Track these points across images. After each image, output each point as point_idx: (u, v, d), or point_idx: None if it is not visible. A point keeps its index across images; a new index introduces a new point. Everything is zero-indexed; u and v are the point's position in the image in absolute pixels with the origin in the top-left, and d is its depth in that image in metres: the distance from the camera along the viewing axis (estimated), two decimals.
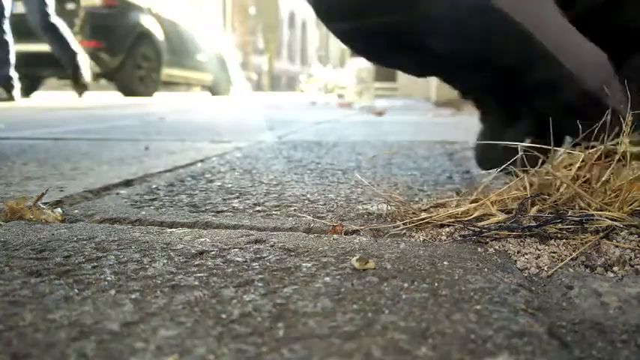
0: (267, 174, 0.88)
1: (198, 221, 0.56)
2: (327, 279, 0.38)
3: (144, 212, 0.60)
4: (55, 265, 0.41)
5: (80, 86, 4.50)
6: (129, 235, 0.50)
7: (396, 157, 1.12)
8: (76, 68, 4.39)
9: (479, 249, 0.46)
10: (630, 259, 0.43)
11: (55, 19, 4.24)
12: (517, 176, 0.57)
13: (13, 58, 3.86)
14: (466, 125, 2.30)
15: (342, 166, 0.98)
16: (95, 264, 0.41)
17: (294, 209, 0.62)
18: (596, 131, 0.56)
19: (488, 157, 0.73)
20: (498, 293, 0.35)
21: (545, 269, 0.42)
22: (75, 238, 0.48)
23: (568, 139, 0.70)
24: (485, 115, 0.75)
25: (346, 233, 0.52)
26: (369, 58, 0.74)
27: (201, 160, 1.05)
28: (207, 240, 0.48)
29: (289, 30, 24.98)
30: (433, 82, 5.21)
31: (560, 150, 0.58)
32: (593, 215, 0.50)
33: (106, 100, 5.03)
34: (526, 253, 0.45)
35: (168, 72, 6.17)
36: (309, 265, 0.41)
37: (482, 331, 0.30)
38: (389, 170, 0.93)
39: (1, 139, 1.47)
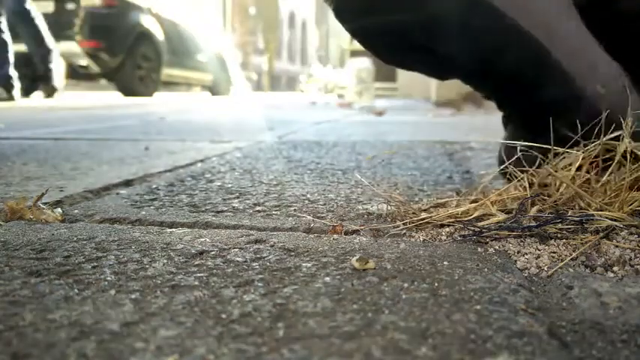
0: (267, 174, 0.88)
1: (198, 221, 0.56)
2: (327, 279, 0.38)
3: (144, 212, 0.60)
4: (55, 265, 0.41)
5: (49, 88, 4.26)
6: (129, 235, 0.50)
7: (396, 157, 1.12)
8: (47, 68, 4.16)
9: (479, 249, 0.46)
10: (630, 259, 0.43)
11: (31, 6, 3.97)
12: (517, 176, 0.57)
13: (12, 58, 3.83)
14: (466, 125, 2.30)
15: (342, 166, 0.98)
16: (95, 264, 0.41)
17: (294, 209, 0.62)
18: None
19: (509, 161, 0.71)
20: (498, 293, 0.35)
21: (545, 269, 0.42)
22: (75, 238, 0.48)
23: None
24: (507, 119, 0.74)
25: (346, 233, 0.52)
26: (385, 60, 0.73)
27: (202, 160, 1.05)
28: (207, 240, 0.48)
29: (289, 30, 24.98)
30: (433, 82, 5.20)
31: (560, 149, 0.58)
32: (593, 215, 0.50)
33: (106, 100, 5.03)
34: (526, 253, 0.45)
35: (168, 72, 6.17)
36: (309, 265, 0.41)
37: (482, 331, 0.30)
38: (389, 170, 0.93)
39: (1, 139, 1.47)
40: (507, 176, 0.60)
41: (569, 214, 0.51)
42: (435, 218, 0.53)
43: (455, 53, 0.65)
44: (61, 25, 5.01)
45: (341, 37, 12.78)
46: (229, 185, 0.77)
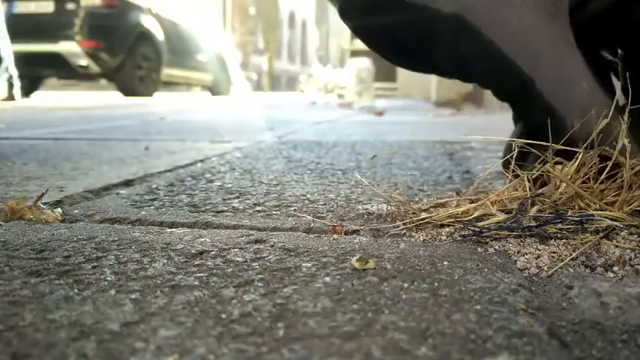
0: (267, 174, 0.88)
1: (198, 221, 0.56)
2: (327, 279, 0.38)
3: (144, 212, 0.60)
4: (55, 265, 0.41)
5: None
6: (129, 235, 0.50)
7: (396, 157, 1.12)
8: None
9: (479, 249, 0.46)
10: (630, 259, 0.43)
11: None
12: (517, 176, 0.57)
13: (10, 56, 3.80)
14: (466, 125, 2.30)
15: (342, 166, 0.98)
16: (95, 264, 0.41)
17: (294, 209, 0.62)
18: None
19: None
20: (498, 293, 0.35)
21: (545, 269, 0.42)
22: (75, 238, 0.48)
23: None
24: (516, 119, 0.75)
25: (346, 233, 0.52)
26: (388, 59, 0.73)
27: (202, 160, 1.05)
28: (207, 240, 0.48)
29: (289, 30, 24.98)
30: (433, 82, 5.21)
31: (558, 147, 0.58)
32: (593, 215, 0.50)
33: (106, 100, 5.03)
34: (526, 253, 0.45)
35: (168, 72, 6.17)
36: (309, 265, 0.41)
37: (482, 331, 0.30)
38: (389, 170, 0.93)
39: (1, 139, 1.47)
40: (508, 173, 0.60)
41: (569, 214, 0.50)
42: (435, 218, 0.53)
43: (449, 68, 0.67)
44: (61, 25, 5.02)
45: (341, 37, 12.78)
46: (229, 185, 0.77)
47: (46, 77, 5.93)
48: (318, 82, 12.25)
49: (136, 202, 0.66)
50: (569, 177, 0.54)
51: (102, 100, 4.87)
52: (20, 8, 5.11)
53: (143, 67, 5.64)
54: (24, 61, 4.18)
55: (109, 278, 0.38)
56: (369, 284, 0.37)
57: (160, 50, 5.91)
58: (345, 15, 0.69)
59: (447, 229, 0.52)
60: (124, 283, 0.37)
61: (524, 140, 0.59)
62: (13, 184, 0.78)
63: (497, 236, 0.49)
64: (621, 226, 0.49)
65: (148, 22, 5.69)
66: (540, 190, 0.55)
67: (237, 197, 0.69)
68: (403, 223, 0.53)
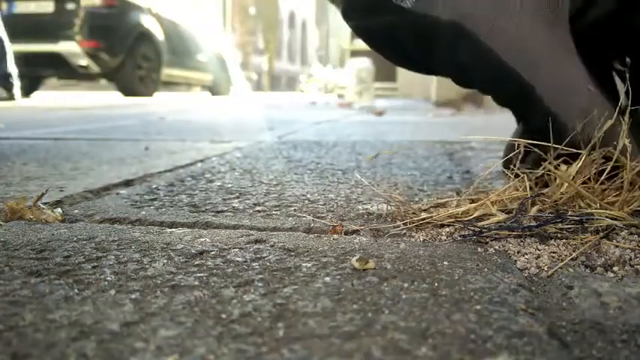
0: (267, 174, 0.88)
1: (198, 221, 0.56)
2: (327, 279, 0.38)
3: (144, 212, 0.60)
4: (55, 265, 0.41)
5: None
6: (129, 235, 0.50)
7: (396, 157, 1.12)
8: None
9: (479, 249, 0.46)
10: (630, 259, 0.43)
11: None
12: (517, 175, 0.57)
13: (10, 55, 3.78)
14: (466, 125, 2.30)
15: (342, 166, 0.98)
16: (95, 264, 0.41)
17: (294, 209, 0.62)
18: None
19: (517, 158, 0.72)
20: (498, 293, 0.35)
21: (545, 269, 0.42)
22: (75, 238, 0.48)
23: None
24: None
25: (346, 233, 0.52)
26: (390, 59, 0.74)
27: (202, 160, 1.05)
28: (207, 240, 0.48)
29: (289, 30, 24.98)
30: (433, 82, 5.21)
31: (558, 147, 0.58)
32: (593, 215, 0.50)
33: (106, 100, 5.03)
34: (526, 253, 0.45)
35: (168, 72, 6.17)
36: (309, 265, 0.41)
37: (482, 331, 0.30)
38: (389, 170, 0.93)
39: (1, 139, 1.47)
40: (509, 172, 0.61)
41: (569, 214, 0.50)
42: (435, 218, 0.53)
43: (448, 73, 0.67)
44: (61, 25, 5.02)
45: (341, 37, 12.78)
46: (229, 185, 0.77)
47: (46, 77, 5.93)
48: (318, 82, 12.25)
49: (136, 202, 0.66)
50: (571, 177, 0.55)
51: (102, 100, 4.87)
52: (20, 8, 5.11)
53: (143, 67, 5.64)
54: (24, 61, 4.18)
55: (109, 278, 0.38)
56: (369, 284, 0.37)
57: (159, 50, 5.91)
58: (347, 15, 0.69)
59: (447, 229, 0.52)
60: (124, 283, 0.37)
61: (526, 140, 0.59)
62: (13, 184, 0.78)
63: (497, 236, 0.49)
64: (621, 226, 0.49)
65: (148, 22, 5.69)
66: (542, 191, 0.55)
67: (237, 197, 0.69)
68: (403, 223, 0.53)
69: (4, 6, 5.03)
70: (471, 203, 0.56)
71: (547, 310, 0.34)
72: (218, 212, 0.61)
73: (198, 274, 0.39)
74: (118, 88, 5.59)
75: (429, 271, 0.40)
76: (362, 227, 0.53)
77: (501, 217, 0.51)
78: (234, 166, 0.96)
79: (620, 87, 0.66)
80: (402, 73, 8.77)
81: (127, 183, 0.80)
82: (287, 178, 0.84)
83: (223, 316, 0.32)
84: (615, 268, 0.41)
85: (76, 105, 3.87)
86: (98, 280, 0.38)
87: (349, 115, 3.06)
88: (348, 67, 5.47)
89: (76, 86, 8.33)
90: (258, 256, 0.44)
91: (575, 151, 0.56)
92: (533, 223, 0.49)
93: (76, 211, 0.61)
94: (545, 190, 0.56)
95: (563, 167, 0.57)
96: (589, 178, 0.55)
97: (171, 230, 0.52)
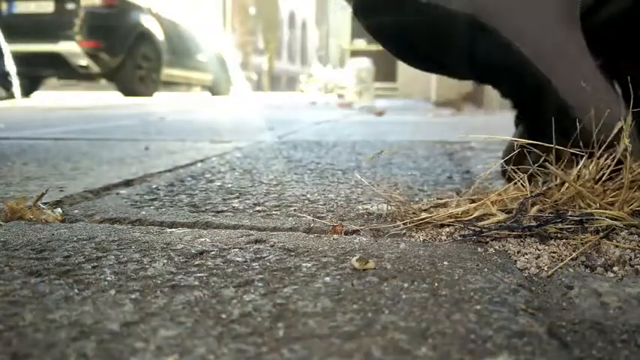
0: (267, 174, 0.88)
1: (198, 221, 0.56)
2: (327, 279, 0.38)
3: (144, 212, 0.60)
4: (55, 265, 0.41)
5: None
6: (129, 235, 0.50)
7: (396, 157, 1.12)
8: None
9: (479, 249, 0.46)
10: (630, 259, 0.43)
11: None
12: (517, 175, 0.57)
13: (7, 53, 3.74)
14: (466, 125, 2.30)
15: (342, 166, 0.98)
16: (95, 264, 0.41)
17: (294, 209, 0.62)
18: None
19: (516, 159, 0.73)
20: (498, 293, 0.35)
21: (545, 269, 0.42)
22: (75, 238, 0.48)
23: None
24: (520, 119, 0.75)
25: (346, 233, 0.52)
26: (399, 57, 0.74)
27: (202, 160, 1.05)
28: (207, 240, 0.48)
29: (289, 30, 24.97)
30: (433, 82, 5.21)
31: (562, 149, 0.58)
32: (593, 215, 0.50)
33: (106, 100, 5.03)
34: (526, 253, 0.45)
35: (168, 72, 6.17)
36: (309, 265, 0.41)
37: (482, 331, 0.30)
38: (389, 170, 0.93)
39: (1, 139, 1.47)
40: (507, 175, 0.61)
41: (569, 214, 0.50)
42: (435, 218, 0.53)
43: (461, 68, 0.67)
44: (61, 25, 5.02)
45: (341, 37, 12.77)
46: (229, 185, 0.77)
47: (46, 77, 5.93)
48: (318, 82, 12.25)
49: (136, 202, 0.66)
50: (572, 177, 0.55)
51: (102, 100, 4.87)
52: (20, 8, 5.11)
53: (143, 67, 5.64)
54: (24, 61, 4.17)
55: (109, 278, 0.38)
56: (369, 284, 0.37)
57: (159, 50, 5.91)
58: (358, 13, 0.70)
59: (447, 229, 0.52)
60: (124, 283, 0.37)
61: (527, 140, 0.59)
62: (13, 184, 0.78)
63: (497, 236, 0.49)
64: (621, 226, 0.49)
65: (148, 22, 5.69)
66: (542, 190, 0.55)
67: (237, 197, 0.69)
68: (403, 223, 0.53)
69: (4, 6, 5.03)
70: (470, 203, 0.56)
71: (547, 310, 0.34)
72: (218, 212, 0.61)
73: (198, 274, 0.39)
74: (118, 88, 5.59)
75: (429, 271, 0.40)
76: (362, 227, 0.53)
77: (501, 217, 0.51)
78: (234, 166, 0.96)
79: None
80: (402, 73, 8.77)
81: (127, 183, 0.80)
82: (287, 178, 0.84)
83: (223, 316, 0.32)
84: (615, 268, 0.41)
85: (76, 105, 3.87)
86: (98, 280, 0.38)
87: (349, 115, 3.06)
88: (348, 67, 5.48)
89: (76, 86, 8.33)
90: (258, 256, 0.44)
91: (578, 151, 0.56)
92: (533, 223, 0.49)
93: (76, 211, 0.61)
94: (544, 188, 0.56)
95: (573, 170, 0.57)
96: (594, 179, 0.55)
97: (171, 230, 0.52)
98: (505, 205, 0.55)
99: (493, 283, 0.37)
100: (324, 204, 0.65)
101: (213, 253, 0.44)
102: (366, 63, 4.93)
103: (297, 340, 0.29)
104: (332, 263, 0.42)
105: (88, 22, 5.08)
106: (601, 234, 0.47)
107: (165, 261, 0.42)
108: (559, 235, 0.48)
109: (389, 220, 0.56)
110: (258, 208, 0.63)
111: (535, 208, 0.52)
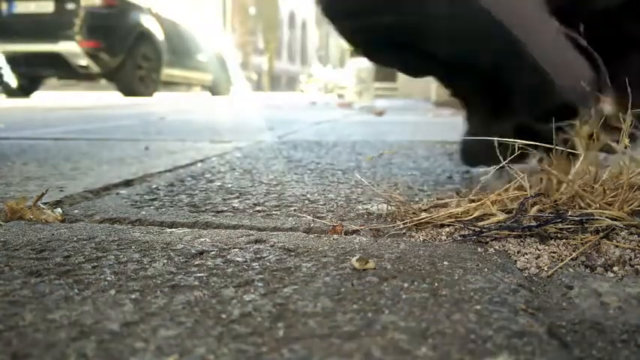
0: (267, 174, 0.88)
1: (198, 221, 0.56)
2: (327, 279, 0.38)
3: (144, 212, 0.60)
4: (55, 265, 0.41)
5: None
6: (129, 235, 0.50)
7: (396, 157, 1.12)
8: None
9: (479, 249, 0.46)
10: (630, 259, 0.43)
11: None
12: (517, 175, 0.57)
13: None
14: None
15: (342, 166, 0.98)
16: (95, 264, 0.41)
17: (294, 209, 0.62)
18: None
19: (473, 153, 0.76)
20: (498, 293, 0.35)
21: (545, 269, 0.42)
22: (75, 238, 0.48)
23: None
24: (471, 115, 0.78)
25: (346, 233, 0.52)
26: (368, 57, 0.76)
27: (201, 160, 1.05)
28: (207, 240, 0.48)
29: (289, 30, 24.97)
30: (433, 82, 5.21)
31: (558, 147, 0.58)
32: (593, 215, 0.50)
33: (106, 100, 5.03)
34: (526, 253, 0.45)
35: (168, 72, 6.17)
36: (309, 265, 0.41)
37: (482, 331, 0.30)
38: (389, 170, 0.93)
39: (1, 139, 1.47)
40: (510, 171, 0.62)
41: (569, 214, 0.50)
42: (435, 218, 0.53)
43: (439, 51, 0.69)
44: (61, 25, 5.01)
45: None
46: (229, 185, 0.77)
47: (46, 77, 5.93)
48: (318, 82, 12.25)
49: (136, 202, 0.66)
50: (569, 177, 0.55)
51: (102, 100, 4.87)
52: (20, 8, 5.10)
53: (143, 67, 5.64)
54: (24, 61, 4.17)
55: (109, 278, 0.38)
56: (369, 284, 0.37)
57: (159, 50, 5.91)
58: (329, 15, 0.72)
59: (447, 229, 0.52)
60: (124, 283, 0.37)
61: (526, 141, 0.59)
62: (13, 184, 0.78)
63: (497, 236, 0.49)
64: (621, 226, 0.49)
65: (148, 22, 5.68)
66: (540, 189, 0.55)
67: (237, 197, 0.69)
68: (403, 223, 0.53)
69: (4, 6, 5.03)
70: (470, 203, 0.56)
71: (547, 310, 0.34)
72: (218, 212, 0.61)
73: (198, 274, 0.39)
74: (118, 88, 5.59)
75: (429, 271, 0.40)
76: (362, 227, 0.53)
77: (501, 217, 0.51)
78: (234, 166, 0.96)
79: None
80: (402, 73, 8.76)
81: (127, 183, 0.80)
82: (287, 178, 0.84)
83: (223, 316, 0.32)
84: (615, 268, 0.41)
85: (76, 105, 3.87)
86: (98, 280, 0.38)
87: (349, 115, 3.06)
88: (348, 67, 5.47)
89: (76, 86, 8.34)
90: (258, 256, 0.44)
91: (571, 150, 0.57)
92: (533, 223, 0.49)
93: (76, 211, 0.61)
94: (541, 187, 0.56)
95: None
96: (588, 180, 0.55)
97: (171, 230, 0.52)
98: (505, 205, 0.55)
99: (493, 283, 0.37)
100: (324, 204, 0.65)
101: (213, 253, 0.44)
102: (366, 63, 4.92)
103: (297, 340, 0.29)
104: (332, 263, 0.42)
105: (88, 22, 5.08)
106: (601, 234, 0.47)
107: (165, 261, 0.42)
108: (559, 235, 0.48)
109: (389, 220, 0.56)
110: (258, 208, 0.63)
111: (535, 208, 0.52)
